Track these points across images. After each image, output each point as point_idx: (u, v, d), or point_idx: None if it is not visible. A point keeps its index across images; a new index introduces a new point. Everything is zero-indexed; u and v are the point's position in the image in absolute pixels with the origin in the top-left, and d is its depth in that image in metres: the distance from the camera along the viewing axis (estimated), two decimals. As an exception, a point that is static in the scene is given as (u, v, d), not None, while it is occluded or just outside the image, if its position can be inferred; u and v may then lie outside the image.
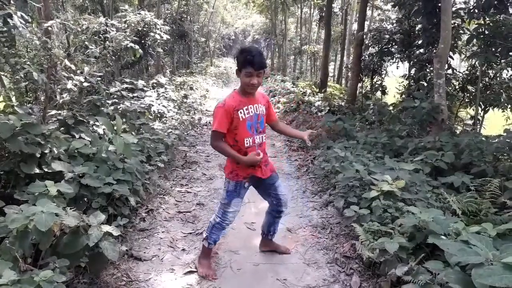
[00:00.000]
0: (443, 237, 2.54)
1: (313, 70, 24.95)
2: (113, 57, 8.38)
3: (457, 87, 8.56)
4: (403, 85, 9.53)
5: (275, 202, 3.08)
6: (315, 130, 3.06)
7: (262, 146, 2.83)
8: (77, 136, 4.11)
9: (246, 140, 2.71)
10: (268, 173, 2.92)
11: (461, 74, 8.58)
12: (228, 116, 2.63)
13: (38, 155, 3.17)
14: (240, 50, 2.67)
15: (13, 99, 5.81)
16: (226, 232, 3.06)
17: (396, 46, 9.54)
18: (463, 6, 7.41)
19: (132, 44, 8.30)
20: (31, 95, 5.75)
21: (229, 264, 3.22)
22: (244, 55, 2.58)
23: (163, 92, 10.15)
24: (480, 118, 8.07)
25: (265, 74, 2.71)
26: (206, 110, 12.09)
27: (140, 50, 8.59)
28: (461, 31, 7.71)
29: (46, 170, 3.18)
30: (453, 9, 6.71)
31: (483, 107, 7.90)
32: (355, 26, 16.17)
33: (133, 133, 5.31)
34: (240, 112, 2.65)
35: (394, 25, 9.97)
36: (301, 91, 13.42)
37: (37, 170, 3.12)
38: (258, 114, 2.76)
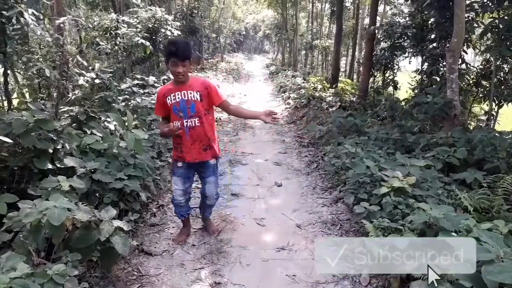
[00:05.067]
0: (453, 234, 2.52)
1: (324, 65, 24.70)
2: (124, 53, 8.46)
3: (470, 82, 8.41)
4: (416, 80, 9.40)
5: (201, 192, 3.49)
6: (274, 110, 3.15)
7: (195, 130, 3.10)
8: (88, 132, 4.16)
9: (175, 123, 3.02)
10: (205, 157, 3.22)
11: (475, 69, 8.44)
12: (159, 101, 3.11)
13: (51, 151, 3.22)
14: (168, 42, 3.10)
15: (27, 95, 5.91)
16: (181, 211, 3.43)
17: (409, 41, 9.39)
18: (477, -1, 7.25)
19: (143, 41, 8.34)
20: (44, 91, 5.83)
21: (239, 260, 3.24)
22: (170, 47, 2.89)
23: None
24: (495, 114, 7.93)
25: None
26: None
27: (151, 47, 8.62)
28: (475, 25, 7.54)
29: (58, 165, 3.24)
30: (467, 2, 6.57)
31: (497, 102, 7.74)
32: (366, 21, 16.01)
33: (144, 129, 5.36)
34: (168, 99, 3.05)
35: (407, 19, 9.82)
36: (312, 87, 13.33)
37: (50, 166, 3.18)
38: (187, 99, 3.04)
